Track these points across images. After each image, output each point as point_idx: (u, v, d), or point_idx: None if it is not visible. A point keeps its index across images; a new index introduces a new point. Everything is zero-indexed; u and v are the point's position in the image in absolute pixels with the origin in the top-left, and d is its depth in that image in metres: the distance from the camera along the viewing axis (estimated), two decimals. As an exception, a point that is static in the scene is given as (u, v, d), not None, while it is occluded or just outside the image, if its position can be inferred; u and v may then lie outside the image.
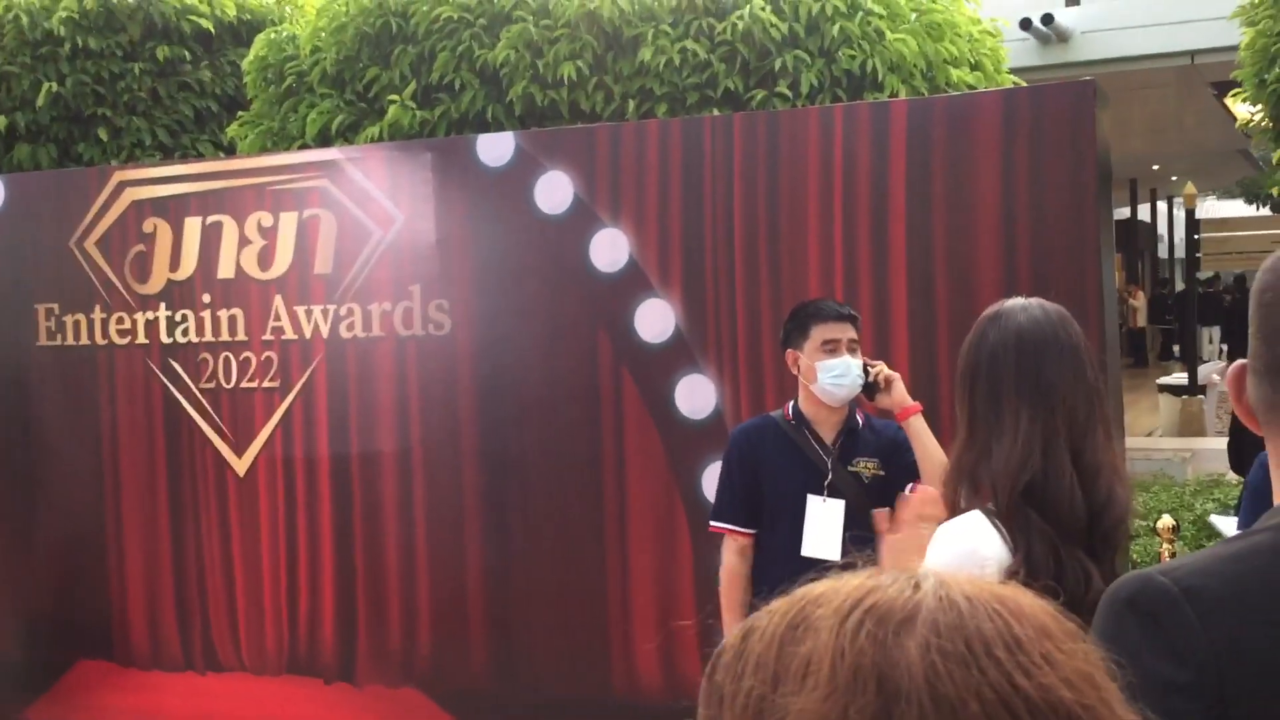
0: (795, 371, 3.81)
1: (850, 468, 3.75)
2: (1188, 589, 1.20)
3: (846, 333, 3.74)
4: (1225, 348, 25.19)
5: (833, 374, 3.68)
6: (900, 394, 3.68)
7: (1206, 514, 8.91)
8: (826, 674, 0.73)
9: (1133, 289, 25.54)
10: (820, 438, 3.78)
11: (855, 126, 4.81)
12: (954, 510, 2.29)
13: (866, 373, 3.72)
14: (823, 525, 3.69)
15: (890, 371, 3.74)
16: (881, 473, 3.76)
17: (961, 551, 2.18)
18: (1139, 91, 14.32)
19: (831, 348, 3.71)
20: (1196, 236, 18.74)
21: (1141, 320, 25.73)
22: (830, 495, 3.71)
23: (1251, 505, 2.89)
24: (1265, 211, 27.88)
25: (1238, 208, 30.95)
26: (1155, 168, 23.52)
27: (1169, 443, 13.04)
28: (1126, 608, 1.23)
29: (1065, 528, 2.18)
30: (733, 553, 3.86)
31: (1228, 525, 4.52)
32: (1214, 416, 14.79)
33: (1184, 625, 1.18)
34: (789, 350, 3.82)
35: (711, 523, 3.94)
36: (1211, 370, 16.32)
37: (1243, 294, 26.17)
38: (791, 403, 3.86)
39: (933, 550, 2.22)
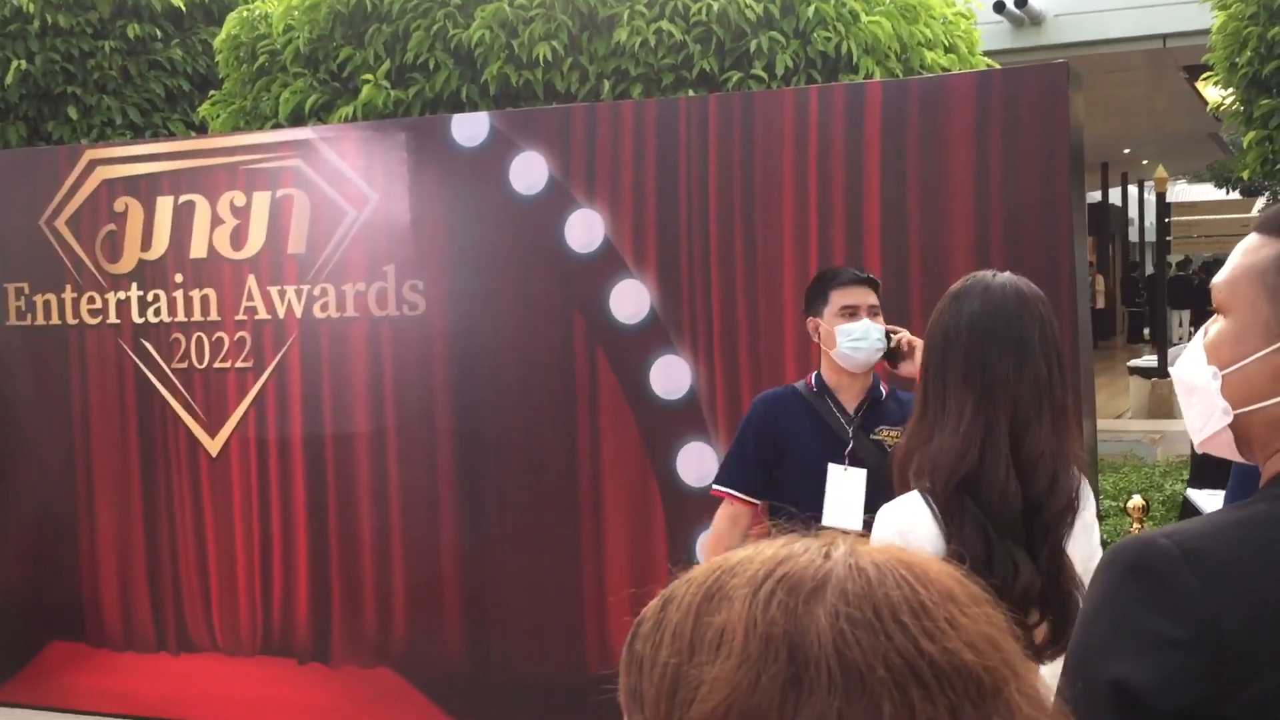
0: (816, 339, 3.73)
1: (872, 436, 3.67)
2: (1189, 551, 1.23)
3: (866, 298, 3.66)
4: (1194, 330, 25.35)
5: (851, 337, 3.61)
6: None
7: (1176, 494, 8.99)
8: (739, 643, 0.75)
9: (1091, 273, 25.68)
10: (842, 406, 3.70)
11: (830, 108, 4.82)
12: (904, 488, 2.32)
13: (888, 339, 3.64)
14: (844, 494, 3.60)
15: (914, 337, 3.61)
16: None
17: (895, 531, 2.23)
18: (1110, 75, 14.38)
19: (850, 312, 3.63)
20: (1167, 220, 18.84)
21: (1100, 302, 25.88)
22: (852, 464, 3.63)
23: (1237, 487, 2.90)
24: (1235, 195, 28.08)
25: (1207, 191, 31.16)
26: (1126, 151, 23.62)
27: (1139, 424, 13.14)
28: (1127, 570, 1.26)
29: (998, 519, 2.21)
30: (727, 518, 3.76)
31: (1205, 501, 4.56)
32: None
33: (1184, 586, 1.21)
34: (810, 318, 3.74)
35: (714, 486, 3.83)
36: (1180, 353, 16.41)
37: (1211, 277, 26.33)
38: (814, 373, 3.78)
39: (874, 529, 2.26)
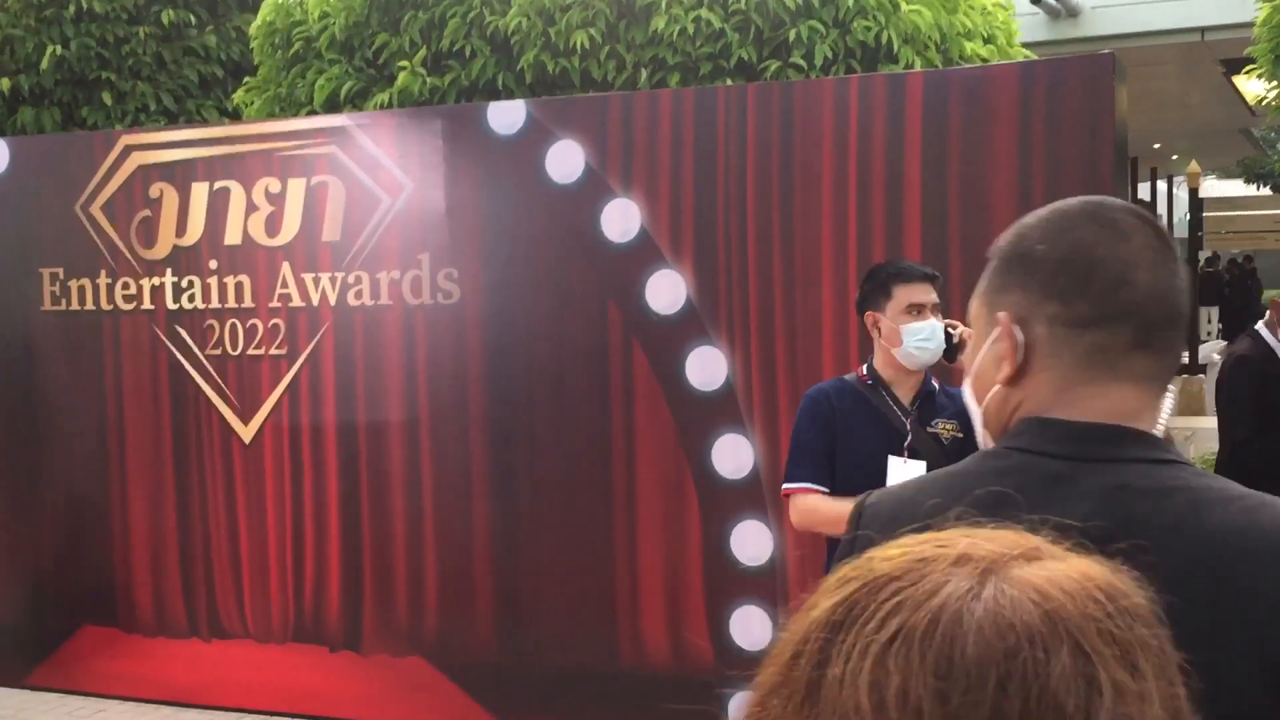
0: (875, 334, 3.66)
1: (929, 429, 3.63)
2: (871, 504, 1.43)
3: (930, 295, 3.61)
4: (1222, 327, 25.21)
5: (919, 338, 3.56)
6: None
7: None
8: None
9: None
10: (898, 399, 3.66)
11: (870, 98, 4.77)
12: None
13: (948, 335, 3.59)
14: None
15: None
16: (960, 435, 3.62)
17: None
18: (1142, 68, 14.24)
19: (917, 310, 3.58)
20: (1199, 216, 18.69)
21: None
22: (910, 456, 3.58)
23: None
24: (1266, 191, 27.80)
25: (1237, 187, 30.87)
26: (1156, 146, 23.41)
27: (1170, 421, 13.01)
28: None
29: None
30: (802, 511, 3.67)
31: None
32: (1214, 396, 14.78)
33: (851, 530, 1.40)
34: (868, 312, 3.66)
35: (786, 485, 3.69)
36: (1211, 350, 16.30)
37: (1240, 274, 26.20)
38: (866, 365, 3.73)
39: None
